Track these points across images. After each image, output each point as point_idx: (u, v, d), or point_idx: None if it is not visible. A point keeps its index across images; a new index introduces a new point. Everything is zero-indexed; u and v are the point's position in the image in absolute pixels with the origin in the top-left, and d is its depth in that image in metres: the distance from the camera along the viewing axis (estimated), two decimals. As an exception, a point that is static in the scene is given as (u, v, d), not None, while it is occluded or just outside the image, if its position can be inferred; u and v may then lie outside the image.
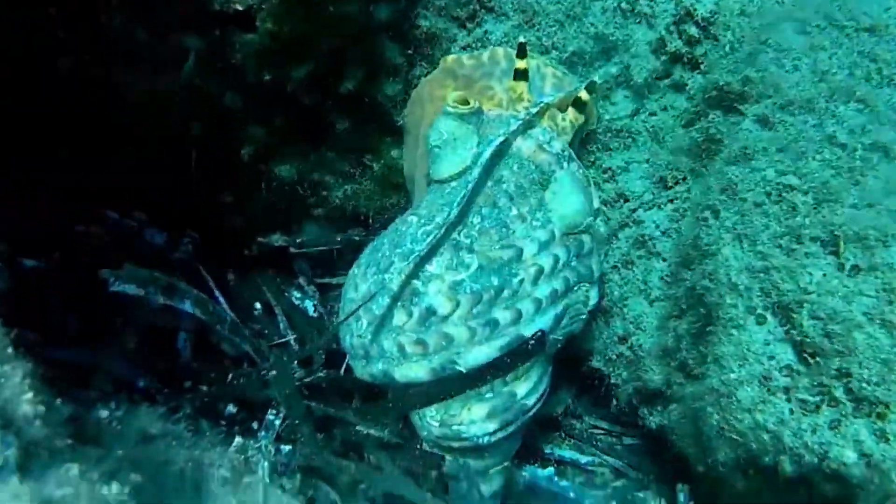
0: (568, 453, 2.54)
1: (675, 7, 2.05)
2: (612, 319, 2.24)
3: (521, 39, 1.98)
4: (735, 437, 1.80)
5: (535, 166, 1.96)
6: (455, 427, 2.03)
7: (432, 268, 1.87)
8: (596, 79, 2.03)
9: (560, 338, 2.02)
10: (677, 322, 2.01)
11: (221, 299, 2.22)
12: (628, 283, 2.20)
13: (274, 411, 2.01)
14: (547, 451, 2.56)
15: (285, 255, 2.42)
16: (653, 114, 2.16)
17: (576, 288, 1.97)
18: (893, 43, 1.80)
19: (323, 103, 2.06)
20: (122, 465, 1.24)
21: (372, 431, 1.97)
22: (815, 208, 1.67)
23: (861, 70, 1.76)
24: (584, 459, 2.53)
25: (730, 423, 1.79)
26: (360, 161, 2.25)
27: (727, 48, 2.01)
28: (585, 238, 1.98)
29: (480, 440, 2.04)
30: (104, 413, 1.41)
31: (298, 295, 2.44)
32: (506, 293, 1.85)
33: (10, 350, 1.10)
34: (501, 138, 1.89)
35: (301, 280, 2.43)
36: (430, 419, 2.05)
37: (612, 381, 2.30)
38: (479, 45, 2.10)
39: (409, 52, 2.09)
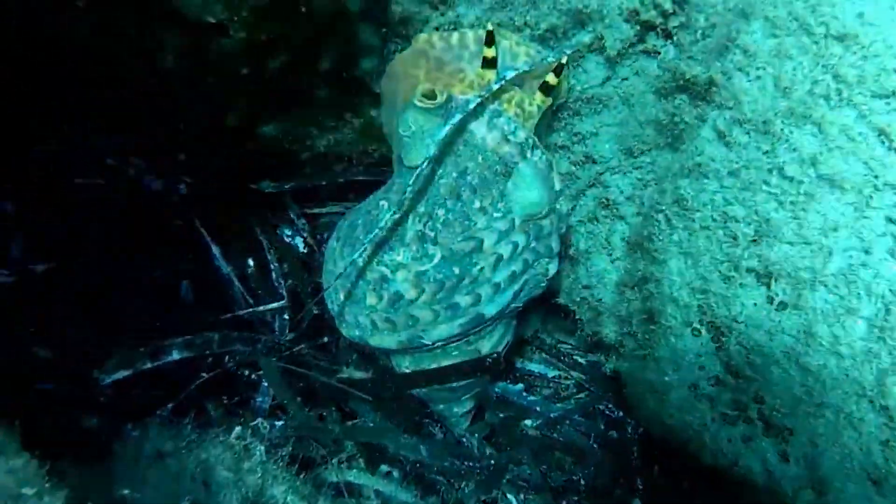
0: (537, 368, 2.69)
1: (653, -22, 1.93)
2: (577, 268, 2.29)
3: (490, 27, 1.90)
4: (666, 423, 1.93)
5: (498, 157, 1.94)
6: (426, 376, 2.17)
7: (400, 257, 1.92)
8: (564, 60, 1.95)
9: (520, 305, 2.10)
10: (632, 294, 2.07)
11: (215, 250, 2.31)
12: (593, 238, 2.23)
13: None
14: (518, 365, 2.70)
15: (276, 197, 2.46)
16: (625, 79, 2.09)
17: (535, 264, 2.02)
18: (859, 55, 1.70)
19: (302, 79, 2.02)
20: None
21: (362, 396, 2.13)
22: (754, 241, 1.68)
23: (822, 87, 1.68)
24: (551, 373, 2.68)
25: (662, 414, 1.92)
26: (342, 117, 2.23)
27: (698, 34, 1.90)
28: (545, 222, 1.99)
29: (449, 384, 2.19)
30: (126, 491, 1.58)
31: (289, 232, 2.49)
32: (466, 280, 1.91)
33: (47, 484, 1.23)
34: (453, 124, 1.85)
35: (291, 214, 2.48)
36: (405, 367, 2.19)
37: (577, 316, 2.39)
38: (452, 26, 2.00)
39: (384, 31, 2.01)
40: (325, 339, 2.36)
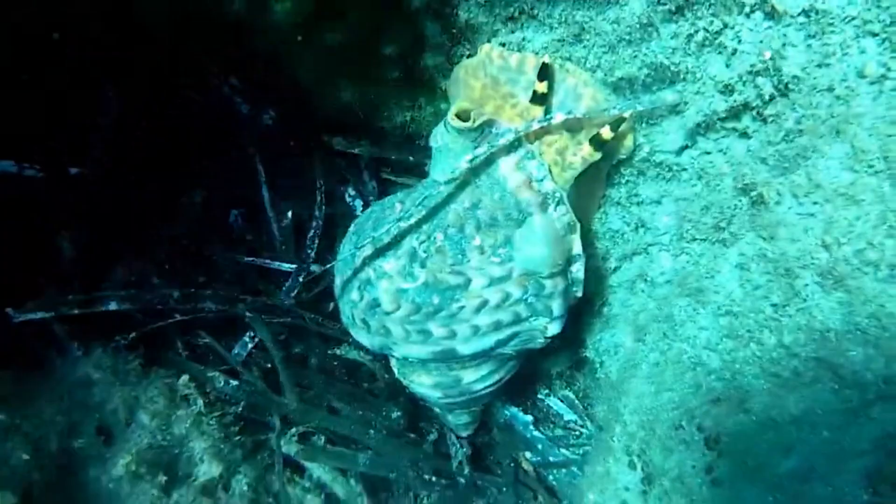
0: (556, 405, 2.44)
1: (758, 56, 1.56)
2: (605, 331, 2.03)
3: (548, 60, 1.64)
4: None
5: (514, 201, 1.70)
6: (407, 381, 2.04)
7: (389, 266, 1.77)
8: (627, 115, 1.66)
9: (512, 352, 1.89)
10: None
11: (264, 190, 2.25)
12: (625, 308, 1.96)
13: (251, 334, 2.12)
14: (541, 395, 2.47)
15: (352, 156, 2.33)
16: (707, 153, 1.75)
17: (531, 319, 1.79)
18: None
19: (364, 57, 1.87)
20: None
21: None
22: (716, 401, 1.38)
23: (875, 253, 1.31)
24: (568, 416, 2.42)
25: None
26: (416, 100, 2.05)
27: (781, 133, 1.54)
28: (548, 283, 1.73)
29: (430, 398, 2.05)
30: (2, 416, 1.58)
31: (353, 192, 2.38)
32: (443, 313, 1.73)
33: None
34: (478, 155, 1.65)
35: (365, 175, 2.36)
36: (392, 365, 2.07)
37: (599, 374, 2.13)
38: (517, 48, 1.74)
39: (453, 31, 1.79)
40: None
